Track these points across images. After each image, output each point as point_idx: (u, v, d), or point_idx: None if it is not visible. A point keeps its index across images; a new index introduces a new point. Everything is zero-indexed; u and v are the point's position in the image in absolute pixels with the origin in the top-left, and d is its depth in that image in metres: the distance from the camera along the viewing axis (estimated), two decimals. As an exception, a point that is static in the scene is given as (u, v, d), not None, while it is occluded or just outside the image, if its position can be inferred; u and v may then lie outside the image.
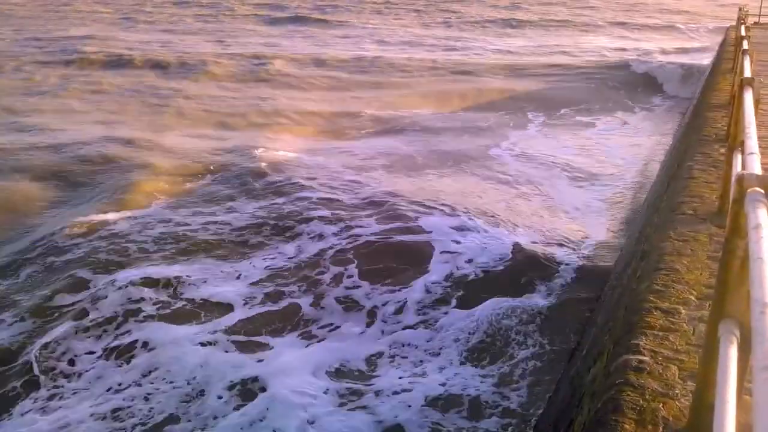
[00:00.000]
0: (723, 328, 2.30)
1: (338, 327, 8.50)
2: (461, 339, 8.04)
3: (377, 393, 7.06)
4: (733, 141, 5.42)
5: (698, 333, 3.67)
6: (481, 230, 10.99)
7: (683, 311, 3.94)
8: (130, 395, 7.18)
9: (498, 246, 10.31)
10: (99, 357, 7.88)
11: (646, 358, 3.43)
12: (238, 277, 9.76)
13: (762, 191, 2.11)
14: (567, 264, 9.71)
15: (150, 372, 7.57)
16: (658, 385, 3.22)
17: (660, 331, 3.71)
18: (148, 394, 7.18)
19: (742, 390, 2.34)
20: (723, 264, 2.32)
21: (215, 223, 11.72)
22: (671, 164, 10.02)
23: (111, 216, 11.94)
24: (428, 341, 8.08)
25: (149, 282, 9.44)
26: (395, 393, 7.03)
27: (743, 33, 11.83)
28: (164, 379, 7.43)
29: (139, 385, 7.36)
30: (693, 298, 4.11)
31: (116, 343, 8.15)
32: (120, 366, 7.73)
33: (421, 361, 7.68)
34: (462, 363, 7.60)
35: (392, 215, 11.72)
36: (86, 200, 13.28)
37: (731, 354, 2.18)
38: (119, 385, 7.37)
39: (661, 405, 3.06)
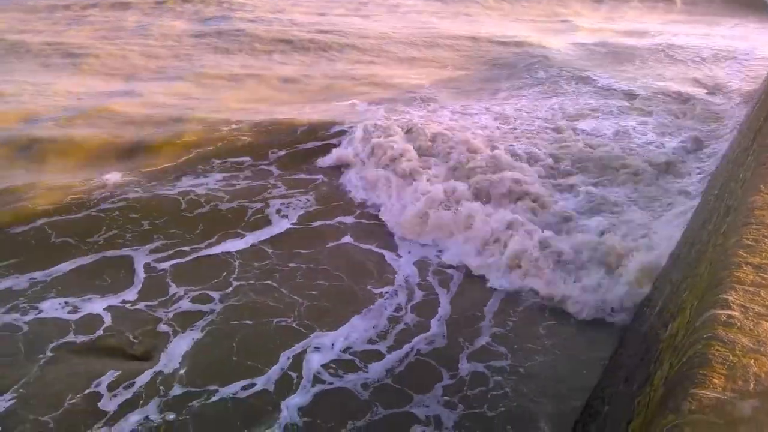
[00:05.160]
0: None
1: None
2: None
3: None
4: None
5: (793, 289, 3.49)
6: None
7: (776, 267, 3.74)
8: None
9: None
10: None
11: (736, 314, 3.29)
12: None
13: None
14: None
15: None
16: (748, 341, 3.08)
17: (750, 287, 3.54)
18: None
19: None
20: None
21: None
22: (756, 117, 9.46)
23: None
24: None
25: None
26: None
27: None
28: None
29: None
30: (786, 254, 3.90)
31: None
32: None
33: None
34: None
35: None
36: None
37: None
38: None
39: (752, 361, 2.93)
